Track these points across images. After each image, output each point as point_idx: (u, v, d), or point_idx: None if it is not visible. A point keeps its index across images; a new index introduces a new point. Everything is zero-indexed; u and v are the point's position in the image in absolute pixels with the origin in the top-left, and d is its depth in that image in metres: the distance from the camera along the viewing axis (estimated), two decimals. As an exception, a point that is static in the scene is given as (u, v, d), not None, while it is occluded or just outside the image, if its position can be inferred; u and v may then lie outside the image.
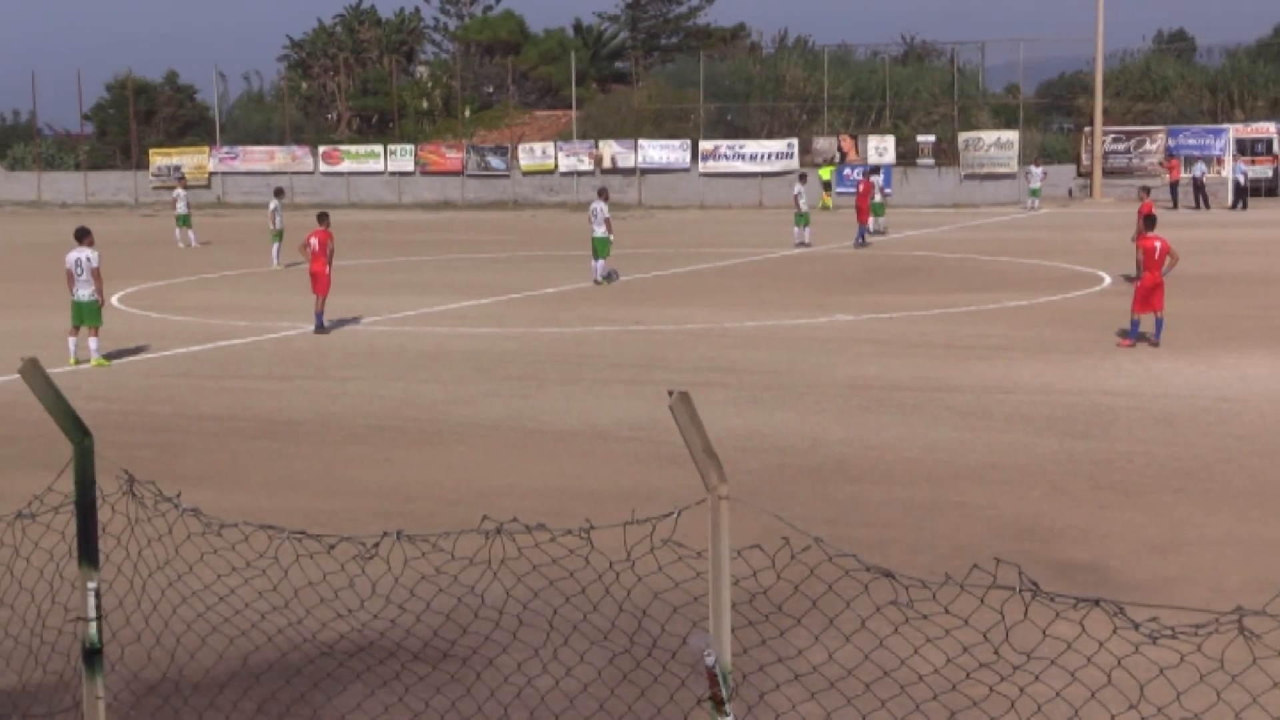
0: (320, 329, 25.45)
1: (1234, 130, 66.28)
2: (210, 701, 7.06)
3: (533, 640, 6.96)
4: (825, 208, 65.35)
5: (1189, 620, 4.35)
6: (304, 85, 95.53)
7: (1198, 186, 60.41)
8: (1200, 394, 18.00)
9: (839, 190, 68.60)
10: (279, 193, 42.18)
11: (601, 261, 33.15)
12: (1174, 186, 60.97)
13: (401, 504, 13.01)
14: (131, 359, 22.85)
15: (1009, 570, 4.58)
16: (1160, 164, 62.75)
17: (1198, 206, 59.81)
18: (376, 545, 5.55)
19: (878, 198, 48.82)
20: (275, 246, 39.96)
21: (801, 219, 43.86)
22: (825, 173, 68.72)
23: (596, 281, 32.89)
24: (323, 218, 27.08)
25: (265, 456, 15.46)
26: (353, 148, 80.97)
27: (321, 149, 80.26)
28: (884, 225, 48.18)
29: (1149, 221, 24.96)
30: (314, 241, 25.93)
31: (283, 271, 38.30)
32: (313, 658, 7.32)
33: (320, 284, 25.54)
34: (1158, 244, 22.48)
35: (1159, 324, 21.94)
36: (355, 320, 26.88)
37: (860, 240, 43.93)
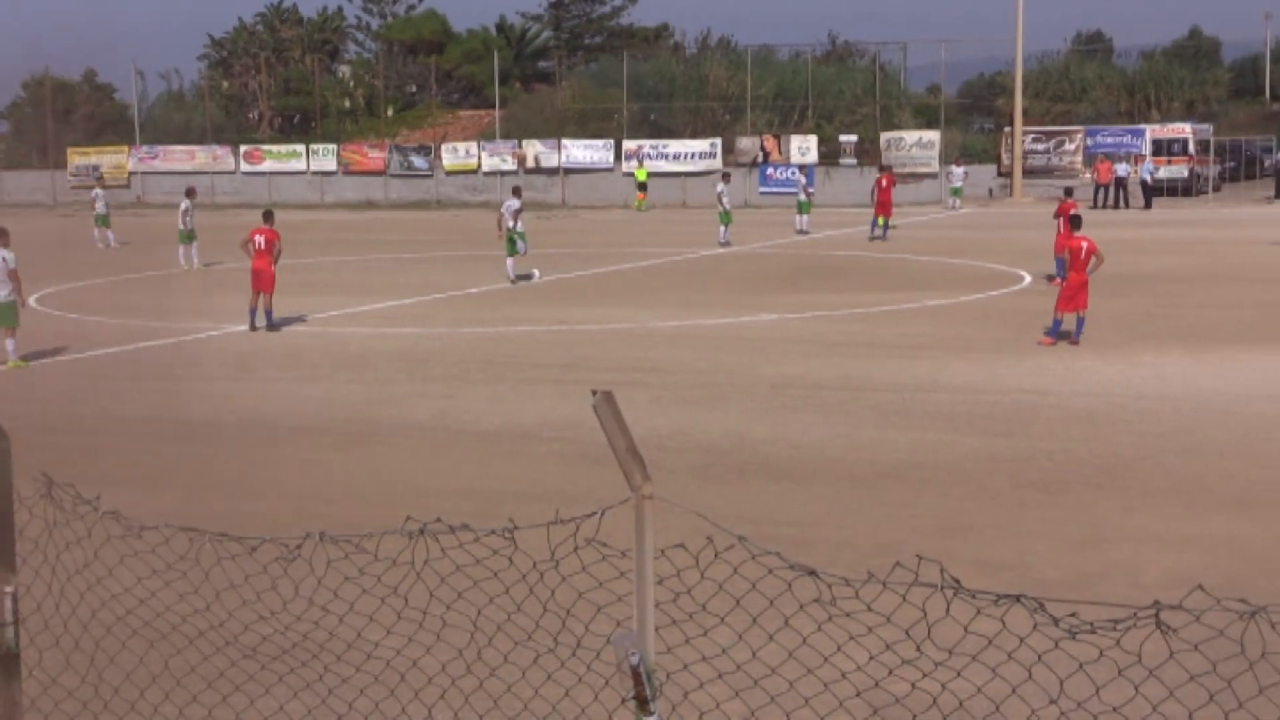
0: (271, 326, 25.33)
1: (1151, 131, 67.11)
2: (131, 706, 6.99)
3: (457, 641, 6.94)
4: (639, 208, 66.01)
5: (1108, 615, 4.39)
6: (225, 84, 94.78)
7: (1119, 186, 61.16)
8: (1119, 392, 18.19)
9: (763, 190, 68.96)
10: (190, 193, 41.64)
11: (512, 260, 33.12)
12: (1102, 188, 61.62)
13: (324, 505, 12.94)
14: (50, 360, 22.59)
15: (931, 568, 4.60)
16: (1095, 164, 63.32)
17: (1118, 206, 60.51)
18: (299, 547, 5.50)
19: (803, 196, 49.32)
20: (182, 248, 39.47)
21: (725, 218, 44.03)
22: (641, 174, 69.30)
23: (511, 281, 32.83)
24: (268, 216, 26.94)
25: (187, 458, 15.33)
26: (275, 147, 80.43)
27: (243, 148, 79.69)
28: (807, 225, 48.48)
29: (1074, 221, 25.21)
30: (259, 239, 25.77)
31: (202, 272, 37.98)
32: (235, 661, 7.26)
33: (265, 281, 25.38)
34: (1084, 244, 22.71)
35: (1080, 322, 22.17)
36: (279, 321, 26.70)
37: (880, 233, 45.40)
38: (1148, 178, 61.65)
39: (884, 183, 46.38)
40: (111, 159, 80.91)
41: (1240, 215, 54.20)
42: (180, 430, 16.90)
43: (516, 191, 35.78)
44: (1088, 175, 64.82)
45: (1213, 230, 47.16)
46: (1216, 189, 66.25)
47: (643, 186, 68.86)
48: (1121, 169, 61.68)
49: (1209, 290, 29.52)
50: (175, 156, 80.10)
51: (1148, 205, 60.23)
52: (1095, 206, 59.89)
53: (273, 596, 6.71)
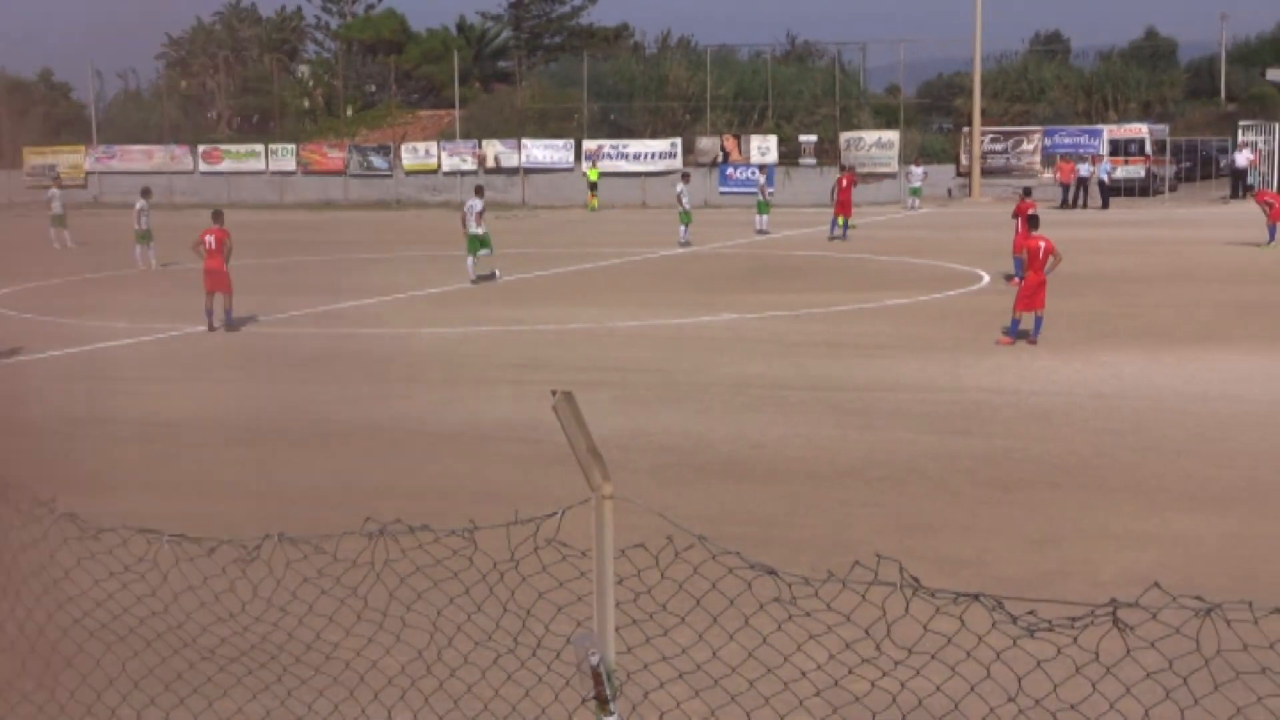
0: (230, 326, 25.22)
1: (1108, 131, 67.49)
2: (88, 709, 6.95)
3: (416, 642, 6.92)
4: (591, 209, 66.20)
5: (1065, 613, 4.41)
6: (183, 84, 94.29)
7: (1080, 186, 61.55)
8: (1076, 391, 18.29)
9: (722, 190, 69.03)
10: (145, 193, 41.32)
11: (472, 259, 33.04)
12: (1065, 188, 61.98)
13: (283, 506, 12.89)
14: (5, 361, 22.43)
15: (890, 566, 4.62)
16: (1056, 165, 63.60)
17: (1076, 205, 60.86)
18: (257, 548, 5.48)
19: (762, 196, 49.51)
20: (139, 248, 39.22)
21: (685, 218, 44.06)
22: (593, 174, 69.47)
23: (472, 280, 32.76)
24: (217, 216, 26.82)
25: (144, 460, 15.24)
26: (233, 147, 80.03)
27: (201, 148, 79.24)
28: (767, 224, 48.61)
29: (1032, 221, 25.34)
30: (209, 239, 25.65)
31: (159, 272, 37.79)
32: (194, 663, 7.22)
33: (219, 281, 25.26)
34: (1042, 244, 22.82)
35: (1038, 322, 22.27)
36: (238, 321, 26.57)
37: (840, 233, 45.61)
38: (1105, 178, 62.01)
39: (844, 183, 46.53)
40: (68, 159, 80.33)
41: (1196, 215, 54.55)
42: (137, 432, 16.80)
43: (479, 191, 35.67)
44: (1047, 175, 65.14)
45: (1169, 230, 47.45)
46: (1173, 189, 66.66)
47: (593, 187, 68.91)
48: (1084, 169, 62.05)
49: (1166, 290, 29.71)
50: (133, 156, 79.59)
51: (1105, 205, 60.60)
52: (1066, 206, 60.34)
53: (231, 598, 6.68)
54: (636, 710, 6.38)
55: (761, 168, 60.71)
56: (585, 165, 71.44)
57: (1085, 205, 60.95)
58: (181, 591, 6.69)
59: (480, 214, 33.31)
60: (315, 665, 7.30)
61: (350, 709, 6.92)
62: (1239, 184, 62.70)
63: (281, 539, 5.52)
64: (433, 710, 6.72)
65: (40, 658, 7.07)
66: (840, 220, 45.86)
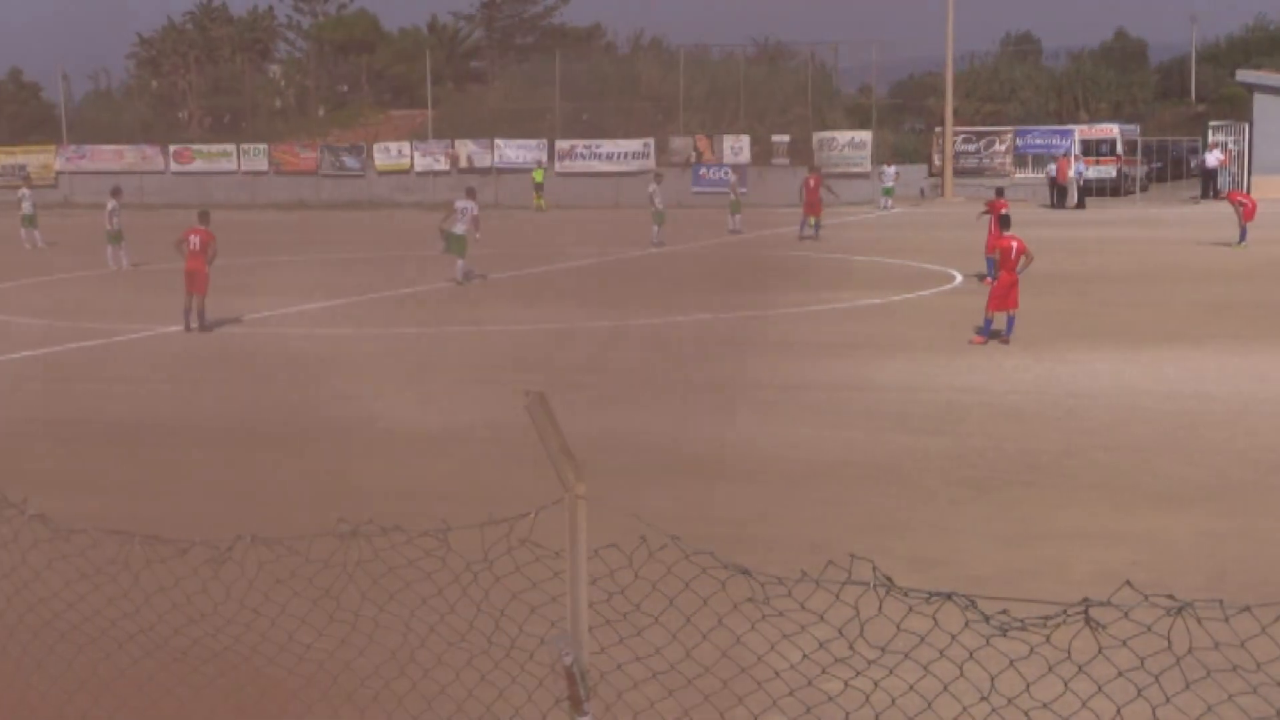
0: (204, 327, 25.11)
1: (1079, 131, 67.75)
2: (58, 711, 6.92)
3: (389, 643, 6.91)
4: (539, 209, 66.33)
5: (1038, 612, 4.43)
6: (154, 83, 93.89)
7: (1060, 185, 61.84)
8: (1049, 390, 18.34)
9: (696, 190, 69.03)
10: (116, 192, 41.10)
11: (462, 260, 32.92)
12: (1059, 186, 62.11)
13: (256, 507, 12.84)
14: (-24, 362, 22.32)
15: (863, 566, 4.63)
16: (1057, 163, 63.72)
17: (1061, 205, 61.12)
18: (230, 549, 5.47)
19: (733, 196, 49.68)
20: (110, 248, 39.06)
21: (658, 218, 44.07)
22: (538, 175, 69.57)
23: (458, 281, 32.61)
24: (203, 216, 26.71)
25: (116, 461, 15.18)
26: (205, 147, 79.72)
27: (172, 148, 78.91)
28: (740, 224, 48.72)
29: (1004, 221, 25.40)
30: (194, 239, 25.55)
31: (130, 272, 37.64)
32: (166, 664, 7.20)
33: (198, 282, 25.14)
34: (1014, 244, 22.88)
35: (1010, 321, 22.32)
36: (211, 322, 26.48)
37: (811, 233, 45.73)
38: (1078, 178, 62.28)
39: (811, 183, 46.78)
40: (38, 158, 79.95)
41: (1167, 215, 54.77)
42: (109, 432, 16.73)
43: (471, 193, 35.32)
44: (1019, 175, 65.41)
45: (1141, 230, 47.64)
46: (1144, 189, 66.92)
47: (539, 188, 68.95)
48: (1078, 168, 62.24)
49: (1138, 289, 29.82)
50: (104, 156, 79.22)
51: (1081, 205, 60.88)
52: (1061, 206, 60.68)
53: (203, 599, 6.65)
54: (610, 710, 6.38)
55: (734, 168, 60.76)
56: (564, 164, 71.48)
57: (1064, 205, 61.18)
58: (153, 593, 6.67)
59: (476, 218, 33.13)
60: (288, 667, 7.28)
61: (322, 710, 6.91)
62: (1209, 184, 63.00)
63: (254, 540, 5.51)
64: (406, 711, 6.71)
65: (11, 659, 7.04)
66: (811, 220, 46.04)
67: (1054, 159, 63.91)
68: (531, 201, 68.22)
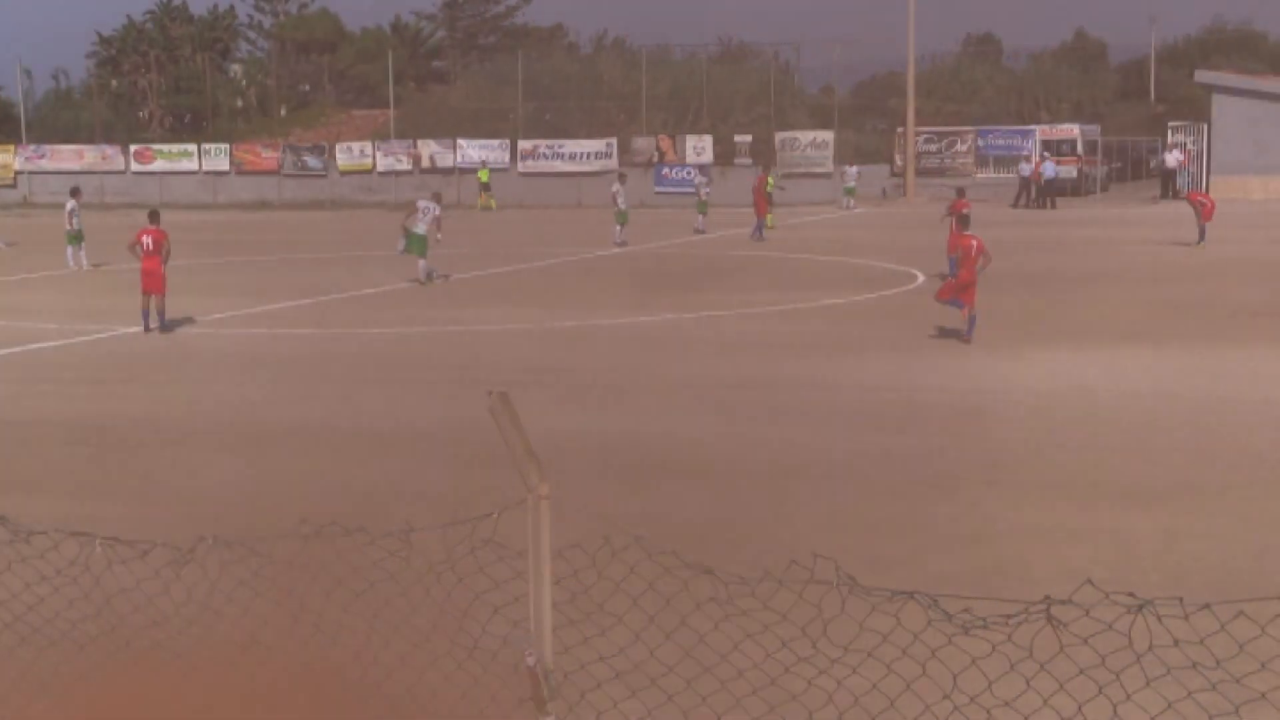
0: (164, 327, 24.97)
1: (1040, 131, 68.08)
2: (20, 714, 6.88)
3: (352, 644, 6.89)
4: (487, 209, 66.41)
5: (1000, 610, 4.45)
6: (114, 83, 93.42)
7: (1031, 184, 62.17)
8: (1010, 389, 18.41)
9: (658, 190, 69.05)
10: (75, 192, 40.81)
11: (424, 260, 32.81)
12: (1034, 185, 62.41)
13: (218, 508, 12.79)
14: (-66, 363, 22.17)
15: (826, 565, 4.64)
16: (1035, 163, 63.92)
17: (1034, 204, 61.43)
18: (192, 550, 5.45)
19: (701, 195, 49.92)
20: (71, 249, 38.83)
21: (621, 218, 44.08)
22: (483, 175, 69.68)
23: (421, 281, 32.49)
24: (154, 216, 26.59)
25: (77, 462, 15.10)
26: (166, 147, 79.39)
27: (133, 148, 78.54)
28: (704, 224, 48.87)
29: (963, 221, 25.47)
30: (147, 240, 25.40)
31: (91, 273, 37.43)
32: (127, 666, 7.16)
33: (156, 282, 24.98)
34: (974, 243, 22.95)
35: (971, 320, 22.37)
36: (171, 323, 26.35)
37: (757, 234, 46.04)
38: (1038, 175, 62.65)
39: (755, 182, 47.34)
40: (-3, 158, 79.53)
41: (1127, 215, 55.08)
42: (69, 434, 16.63)
43: (437, 197, 35.22)
44: (981, 175, 65.69)
45: (1101, 230, 47.88)
46: (1104, 189, 67.34)
47: (486, 187, 68.93)
48: (1050, 169, 62.52)
49: (1099, 289, 29.97)
50: (63, 156, 78.78)
51: (1044, 204, 61.28)
52: (1037, 205, 61.00)
53: (165, 601, 6.62)
54: (574, 710, 6.38)
55: (701, 168, 60.81)
56: (528, 164, 71.53)
57: (1033, 204, 61.54)
58: (115, 595, 6.63)
59: (438, 219, 33.05)
60: (251, 669, 7.26)
61: (287, 711, 6.88)
62: (1169, 184, 63.38)
63: (216, 541, 5.49)
64: (369, 712, 6.69)
65: (-30, 663, 6.99)
66: (769, 219, 46.71)
67: (1027, 159, 64.23)
68: (476, 202, 68.22)
